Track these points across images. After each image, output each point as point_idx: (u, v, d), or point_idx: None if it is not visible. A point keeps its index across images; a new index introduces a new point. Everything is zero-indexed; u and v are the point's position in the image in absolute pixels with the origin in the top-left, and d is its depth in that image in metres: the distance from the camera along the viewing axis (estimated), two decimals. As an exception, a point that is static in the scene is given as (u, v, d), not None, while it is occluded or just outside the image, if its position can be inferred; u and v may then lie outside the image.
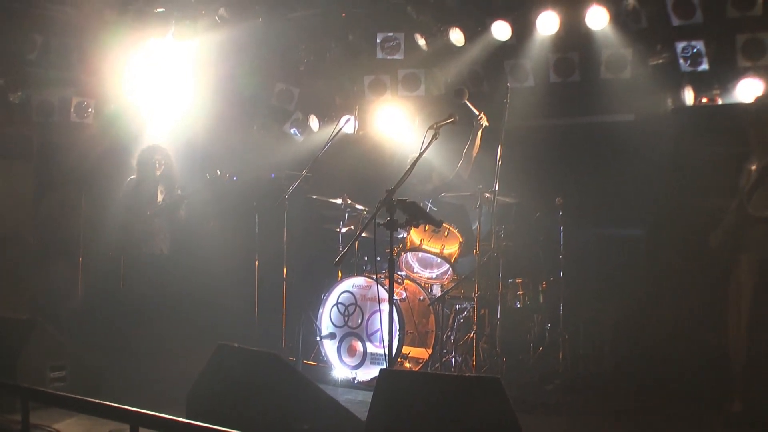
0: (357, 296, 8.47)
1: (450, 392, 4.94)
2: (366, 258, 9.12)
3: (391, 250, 6.31)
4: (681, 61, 8.38)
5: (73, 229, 10.41)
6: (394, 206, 5.99)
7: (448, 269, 8.72)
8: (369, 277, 8.48)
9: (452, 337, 8.42)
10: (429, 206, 8.71)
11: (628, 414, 7.26)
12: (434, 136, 6.35)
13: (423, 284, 8.78)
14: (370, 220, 6.38)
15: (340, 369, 8.45)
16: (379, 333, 8.12)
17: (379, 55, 9.61)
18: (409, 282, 8.72)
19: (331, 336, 8.53)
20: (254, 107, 10.85)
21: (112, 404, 5.24)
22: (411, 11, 9.31)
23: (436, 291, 8.86)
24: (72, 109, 10.09)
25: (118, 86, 10.04)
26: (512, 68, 9.19)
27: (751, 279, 6.57)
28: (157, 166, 9.33)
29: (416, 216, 6.28)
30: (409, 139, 9.60)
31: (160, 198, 9.34)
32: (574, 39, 8.77)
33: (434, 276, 8.93)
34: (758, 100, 7.30)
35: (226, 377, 5.95)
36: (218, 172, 9.26)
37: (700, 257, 7.45)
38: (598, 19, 8.36)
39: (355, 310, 8.45)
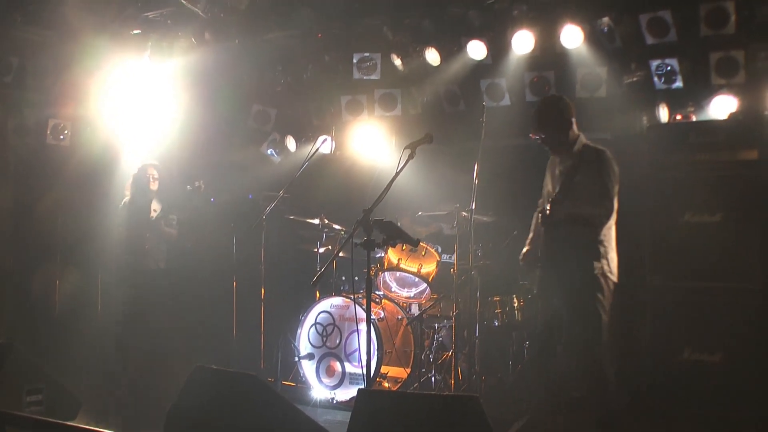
0: (335, 316, 8.47)
1: (429, 411, 4.93)
2: (344, 278, 9.12)
3: (369, 269, 6.30)
4: (655, 79, 8.46)
5: (50, 251, 10.34)
6: (371, 226, 6.00)
7: (426, 288, 8.75)
8: (347, 297, 8.48)
9: (431, 356, 8.42)
10: None
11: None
12: (410, 156, 6.35)
13: (401, 303, 8.80)
14: (347, 240, 6.38)
15: (319, 389, 8.43)
16: (357, 353, 8.11)
17: (356, 75, 9.61)
18: (387, 301, 8.74)
19: (310, 356, 8.51)
20: (231, 128, 10.81)
21: (90, 428, 5.22)
22: (387, 32, 9.34)
23: (414, 310, 8.89)
24: (48, 131, 10.00)
25: (95, 108, 9.99)
26: (488, 87, 9.21)
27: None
28: (152, 180, 9.28)
29: (393, 235, 6.30)
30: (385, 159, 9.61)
31: (153, 215, 9.26)
32: (550, 58, 8.81)
33: (412, 295, 8.96)
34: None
35: (204, 400, 5.90)
36: (197, 183, 9.20)
37: (676, 272, 7.50)
38: (572, 39, 8.41)
39: (333, 330, 8.45)
